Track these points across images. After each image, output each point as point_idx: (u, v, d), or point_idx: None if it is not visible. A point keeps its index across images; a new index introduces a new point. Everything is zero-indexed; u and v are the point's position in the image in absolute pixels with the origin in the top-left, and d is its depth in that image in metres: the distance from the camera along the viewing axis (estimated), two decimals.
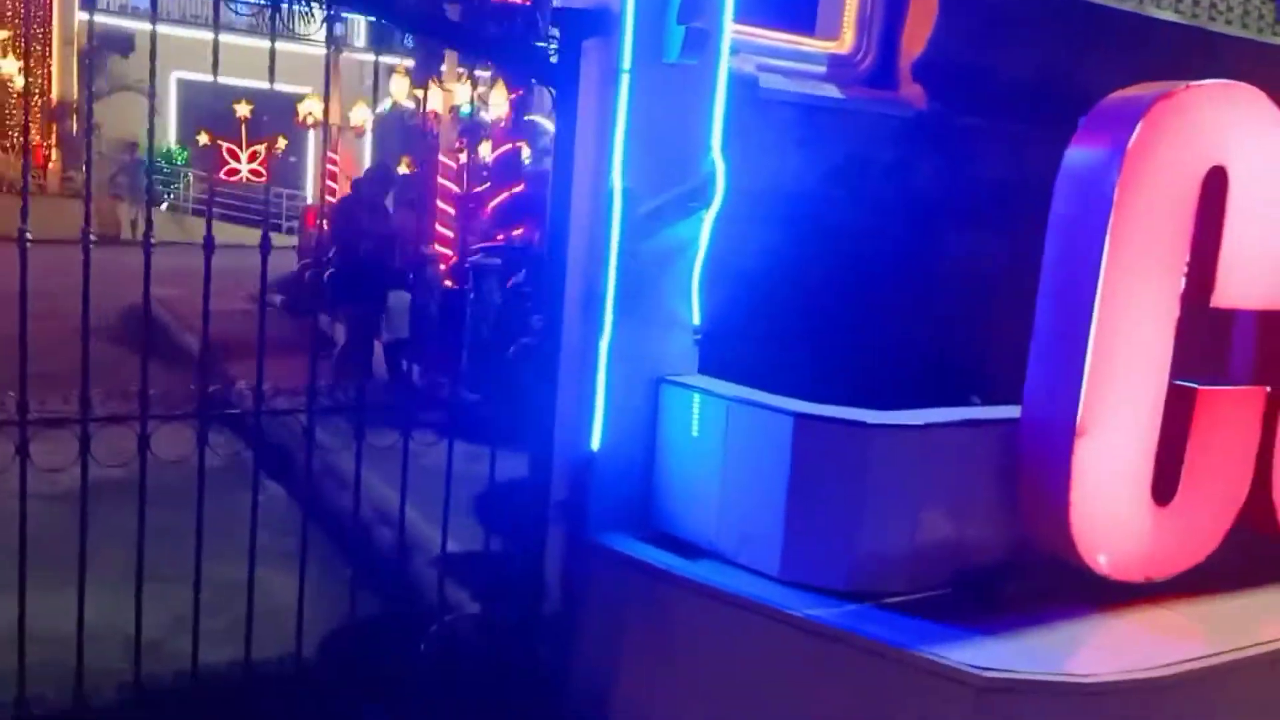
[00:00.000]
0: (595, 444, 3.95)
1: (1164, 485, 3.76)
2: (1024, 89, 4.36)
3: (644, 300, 3.93)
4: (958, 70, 4.48)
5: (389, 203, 8.10)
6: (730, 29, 3.91)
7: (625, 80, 3.78)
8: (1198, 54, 4.80)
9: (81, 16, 23.92)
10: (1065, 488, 3.51)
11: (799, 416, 3.58)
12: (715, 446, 3.83)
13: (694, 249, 3.98)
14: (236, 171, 26.09)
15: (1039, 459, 3.60)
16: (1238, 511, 3.94)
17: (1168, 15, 4.86)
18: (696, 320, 4.03)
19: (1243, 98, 3.63)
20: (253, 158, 26.63)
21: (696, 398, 3.89)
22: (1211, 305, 3.71)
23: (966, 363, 4.42)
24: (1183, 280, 3.60)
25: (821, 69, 4.52)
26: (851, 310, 4.35)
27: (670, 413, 4.00)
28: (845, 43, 4.61)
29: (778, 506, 3.63)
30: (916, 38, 4.54)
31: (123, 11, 24.26)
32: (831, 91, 4.44)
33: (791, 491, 3.59)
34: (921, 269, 4.36)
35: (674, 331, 4.03)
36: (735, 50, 4.18)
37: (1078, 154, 3.52)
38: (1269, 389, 3.94)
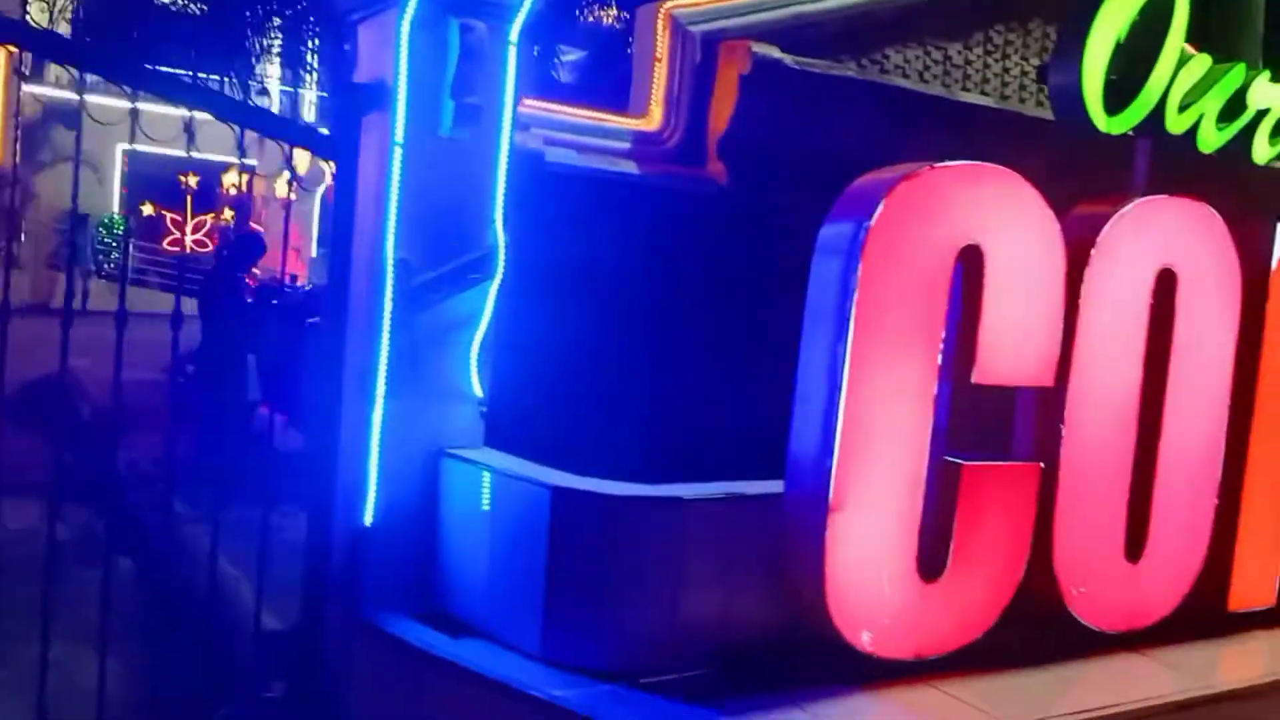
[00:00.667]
0: (368, 518, 3.89)
1: (933, 561, 3.75)
2: (825, 166, 4.38)
3: (422, 372, 3.90)
4: (759, 147, 4.56)
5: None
6: (510, 103, 3.95)
7: (398, 153, 3.80)
8: (1008, 134, 4.92)
9: (30, 88, 24.04)
10: (820, 563, 3.49)
11: (555, 490, 3.54)
12: (484, 520, 3.78)
13: (476, 321, 3.97)
14: (180, 242, 26.08)
15: (797, 534, 3.58)
16: (1014, 588, 3.93)
17: (973, 98, 5.00)
18: (480, 392, 4.00)
19: (995, 178, 3.70)
20: (198, 228, 26.64)
21: (468, 470, 3.84)
22: (973, 381, 3.74)
23: (767, 433, 4.40)
24: (939, 357, 3.63)
25: (625, 145, 4.58)
26: (650, 381, 4.35)
27: (449, 486, 3.95)
28: (654, 119, 4.68)
29: (538, 582, 3.57)
30: (722, 115, 4.62)
31: (69, 85, 24.30)
32: (628, 167, 4.49)
33: (550, 567, 3.54)
34: (718, 340, 4.38)
35: (456, 404, 3.99)
36: (526, 125, 4.23)
37: (828, 232, 3.57)
38: (1042, 465, 3.97)
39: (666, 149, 4.69)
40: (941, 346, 3.63)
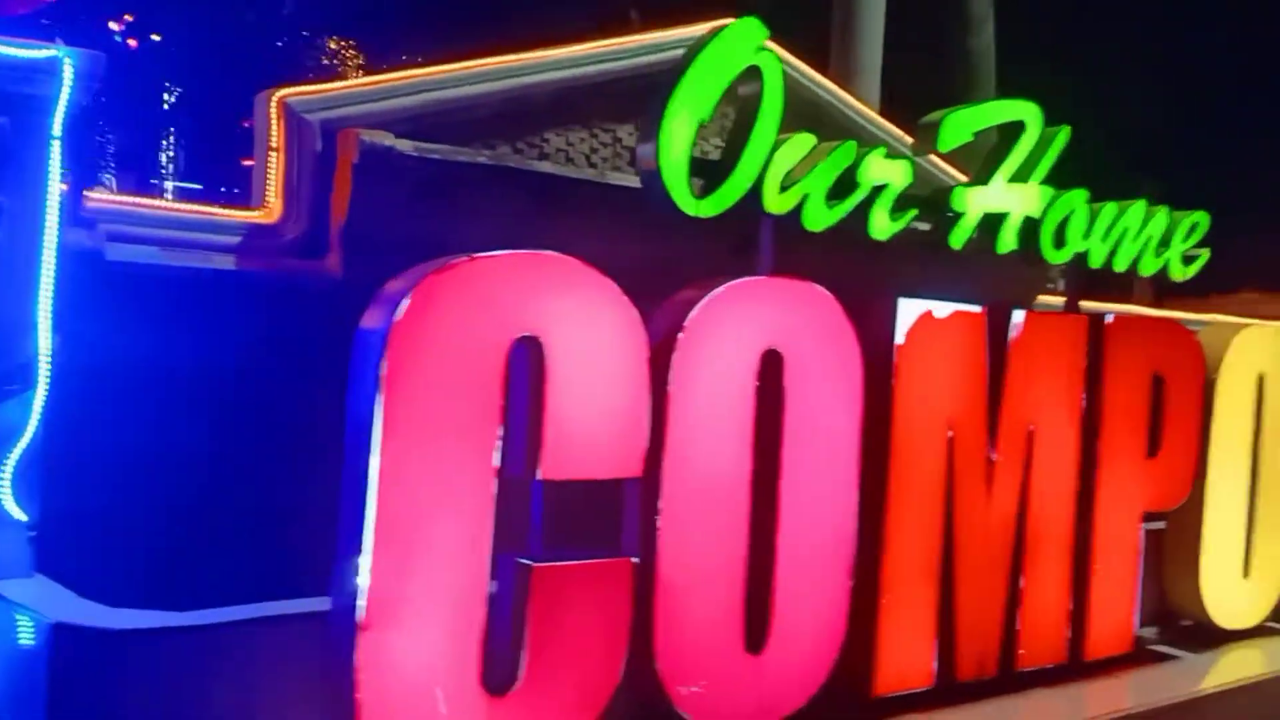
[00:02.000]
0: None
1: (499, 673, 3.52)
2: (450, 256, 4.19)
3: None
4: (378, 238, 4.33)
5: None
6: (56, 200, 3.64)
7: None
8: (655, 218, 4.78)
9: None
10: (352, 686, 3.21)
11: (55, 625, 3.20)
12: (5, 656, 3.41)
13: (16, 436, 3.62)
14: None
15: (334, 655, 3.30)
16: (609, 694, 3.72)
17: (623, 179, 4.88)
18: (22, 515, 3.64)
19: (555, 267, 3.55)
20: None
21: None
22: (540, 478, 3.55)
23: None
24: (496, 455, 3.43)
25: (237, 239, 4.32)
26: (245, 487, 4.05)
27: None
28: (273, 212, 4.44)
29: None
30: (341, 206, 4.41)
31: None
32: (225, 262, 4.22)
33: (51, 705, 3.18)
34: (317, 438, 4.10)
35: None
36: (91, 223, 3.93)
37: (361, 330, 3.36)
38: (635, 560, 3.80)
39: (287, 241, 4.45)
40: (499, 444, 3.43)
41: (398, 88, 4.52)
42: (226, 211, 4.40)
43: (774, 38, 4.09)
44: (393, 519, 3.22)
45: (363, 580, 3.19)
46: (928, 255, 4.89)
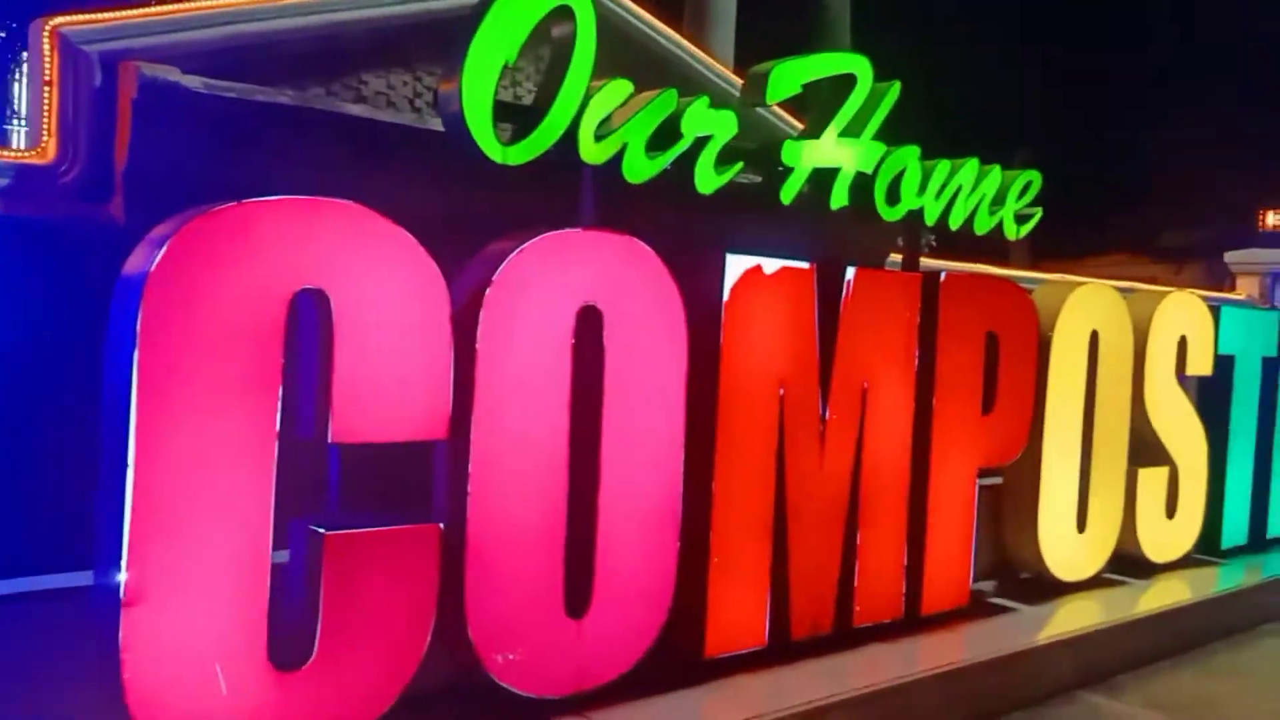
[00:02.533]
0: None
1: (292, 647, 3.31)
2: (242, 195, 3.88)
3: None
4: (166, 181, 4.01)
5: None
6: None
7: None
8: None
9: None
10: (119, 666, 2.96)
11: None
12: None
13: None
14: None
15: (100, 634, 3.04)
16: (414, 664, 3.54)
17: (407, 118, 4.62)
18: None
19: (341, 215, 3.32)
20: None
21: None
22: (331, 441, 3.34)
23: None
24: (277, 418, 3.20)
25: (4, 181, 3.98)
26: (15, 454, 3.72)
27: None
28: (47, 152, 4.10)
29: None
30: (122, 146, 4.09)
31: None
32: None
33: None
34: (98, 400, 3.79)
35: None
36: None
37: (121, 280, 3.08)
38: (442, 525, 3.62)
39: (64, 184, 4.11)
40: (279, 405, 3.20)
41: (191, 19, 4.20)
42: None
43: None
44: (152, 486, 2.97)
45: (124, 553, 2.93)
46: (773, 211, 4.80)
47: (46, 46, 4.05)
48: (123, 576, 2.94)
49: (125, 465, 2.94)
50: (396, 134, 4.48)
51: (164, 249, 2.96)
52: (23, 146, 4.19)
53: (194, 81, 4.04)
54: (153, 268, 2.94)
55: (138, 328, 2.92)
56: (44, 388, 3.84)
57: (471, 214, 4.21)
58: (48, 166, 4.07)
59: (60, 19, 4.06)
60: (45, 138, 4.09)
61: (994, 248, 6.82)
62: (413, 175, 4.23)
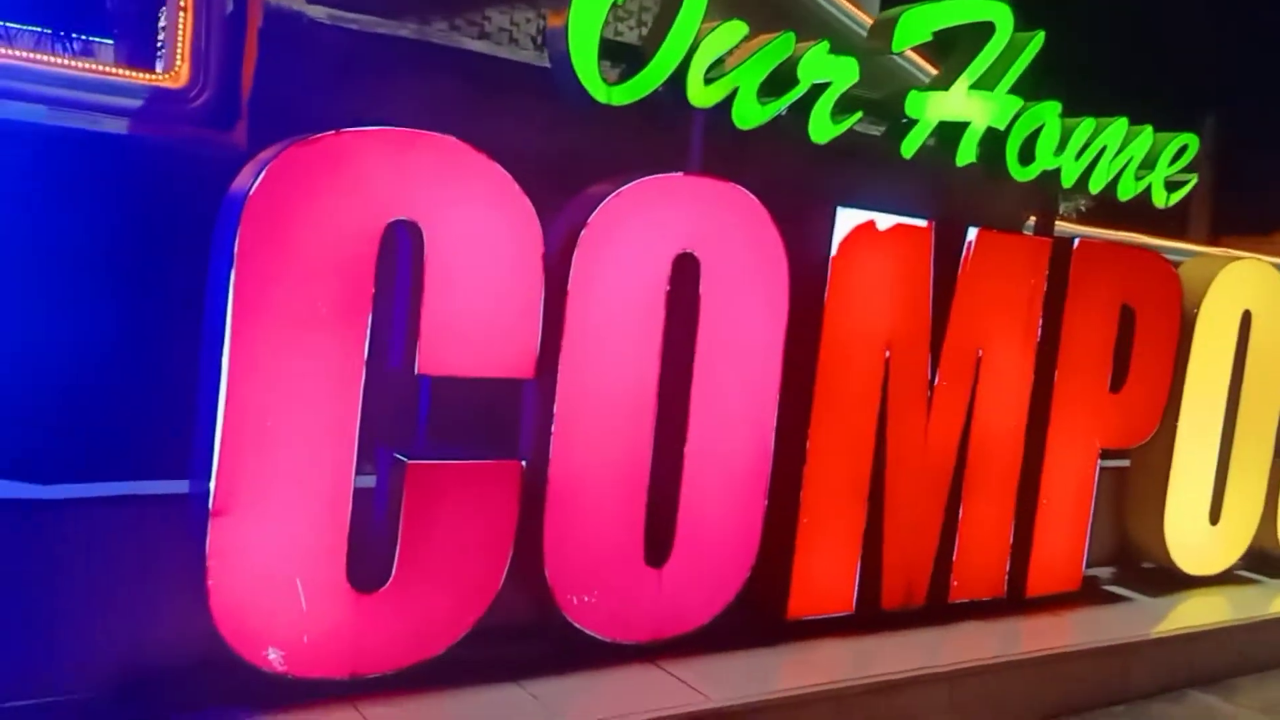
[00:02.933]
0: None
1: (372, 570, 3.41)
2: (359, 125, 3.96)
3: None
4: (290, 110, 4.10)
5: None
6: None
7: None
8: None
9: None
10: (203, 574, 3.11)
11: None
12: None
13: None
14: None
15: (191, 541, 3.19)
16: (490, 598, 3.60)
17: (526, 56, 4.57)
18: None
19: (434, 148, 3.33)
20: None
21: None
22: (418, 373, 3.39)
23: None
24: (366, 345, 3.27)
25: (137, 103, 4.13)
26: (131, 366, 3.90)
27: None
28: (180, 76, 4.24)
29: None
30: (250, 74, 4.19)
31: None
32: (117, 126, 4.03)
33: None
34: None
35: None
36: None
37: (224, 202, 3.18)
38: (524, 463, 3.65)
39: (193, 109, 4.24)
40: (368, 334, 3.26)
41: None
42: (129, 73, 4.20)
43: None
44: (242, 401, 3.08)
45: (214, 465, 3.06)
46: (900, 165, 4.60)
47: None
48: (212, 486, 3.07)
49: (219, 380, 3.05)
50: (513, 70, 4.46)
51: (263, 173, 3.03)
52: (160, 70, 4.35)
53: (318, 12, 4.11)
54: (252, 190, 3.02)
55: (235, 248, 3.02)
56: (164, 306, 4.01)
57: (585, 154, 4.18)
58: (179, 90, 4.22)
59: None
60: (178, 62, 4.24)
61: (1167, 218, 6.31)
62: (529, 113, 4.22)
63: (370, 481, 3.58)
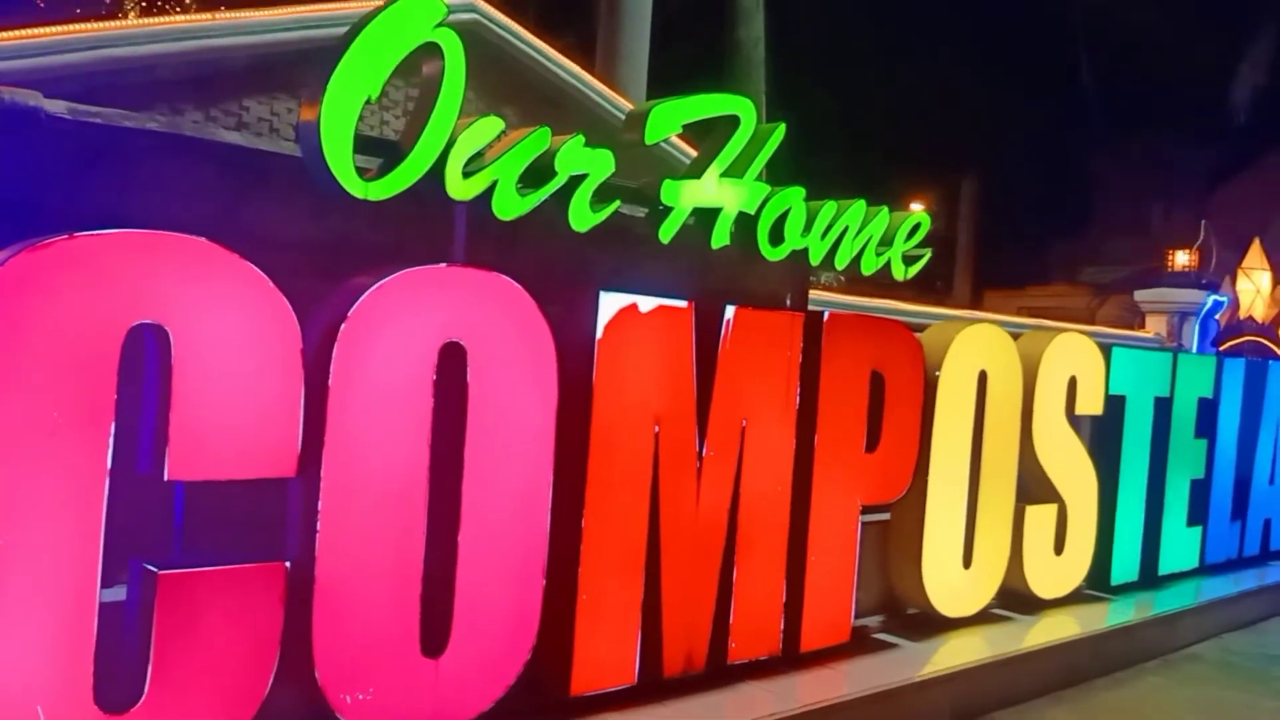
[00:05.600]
0: None
1: (124, 690, 3.24)
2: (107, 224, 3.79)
3: None
4: (31, 209, 3.92)
5: None
6: None
7: None
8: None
9: None
10: None
11: None
12: None
13: None
14: None
15: None
16: (256, 707, 3.49)
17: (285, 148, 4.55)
18: None
19: (176, 247, 3.27)
20: None
21: None
22: (167, 478, 3.29)
23: None
24: (109, 454, 3.15)
25: None
26: None
27: None
28: None
29: None
30: None
31: None
32: None
33: None
34: None
35: None
36: None
37: None
38: (288, 563, 3.58)
39: None
40: (111, 439, 3.14)
41: (58, 43, 4.11)
42: None
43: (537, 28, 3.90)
44: None
45: None
46: (661, 248, 4.83)
47: None
48: None
49: None
50: (273, 161, 4.42)
51: None
52: None
53: (57, 105, 3.96)
54: None
55: None
56: None
57: (350, 244, 4.20)
58: None
59: None
60: None
61: (936, 275, 6.83)
62: (291, 204, 4.20)
63: (122, 593, 3.43)
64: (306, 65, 4.85)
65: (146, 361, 3.32)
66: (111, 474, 3.16)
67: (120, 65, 4.29)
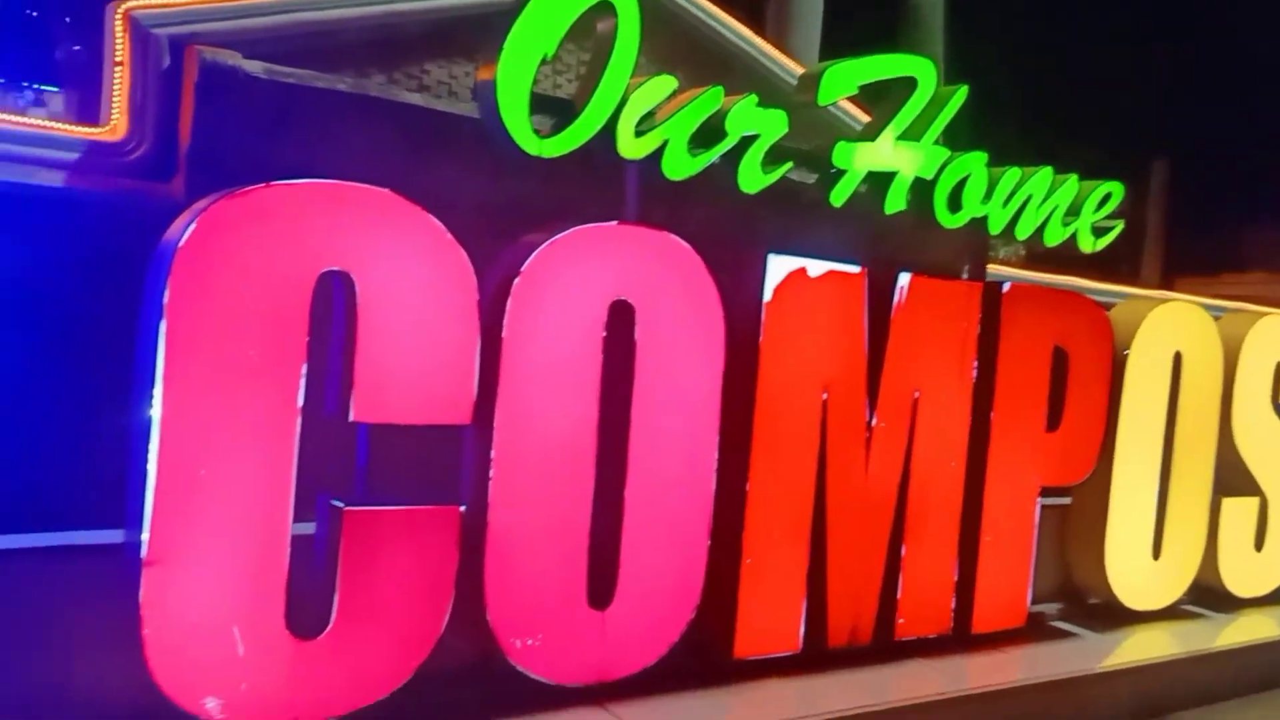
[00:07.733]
0: None
1: (312, 617, 3.42)
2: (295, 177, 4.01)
3: None
4: (228, 162, 4.16)
5: None
6: None
7: None
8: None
9: None
10: (138, 623, 3.11)
11: None
12: None
13: None
14: None
15: (126, 591, 3.19)
16: (431, 642, 3.61)
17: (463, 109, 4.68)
18: None
19: (365, 200, 3.42)
20: None
21: None
22: (351, 420, 3.44)
23: None
24: (300, 394, 3.32)
25: (73, 156, 4.19)
26: (67, 416, 3.90)
27: None
28: (118, 129, 4.31)
29: None
30: (186, 126, 4.28)
31: None
32: (51, 179, 4.08)
33: None
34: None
35: None
36: None
37: (155, 252, 3.23)
38: (463, 508, 3.69)
39: (131, 162, 4.30)
40: (303, 382, 3.31)
41: (256, 6, 4.35)
42: (66, 126, 4.26)
43: None
44: (175, 451, 3.11)
45: (145, 514, 3.08)
46: (836, 213, 4.74)
47: (119, 28, 4.27)
48: (145, 536, 3.08)
49: (151, 430, 3.08)
50: (451, 122, 4.56)
51: (193, 224, 3.10)
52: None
53: (254, 66, 4.20)
54: (181, 242, 3.09)
55: (165, 299, 3.07)
56: (103, 358, 4.03)
57: (523, 203, 4.28)
58: (116, 143, 4.28)
59: (132, 2, 4.27)
60: (115, 115, 4.32)
61: (1119, 260, 6.46)
62: (467, 163, 4.32)
63: (313, 528, 3.61)
64: (484, 30, 4.97)
65: (334, 308, 3.48)
66: (302, 414, 3.32)
67: (312, 28, 4.51)
